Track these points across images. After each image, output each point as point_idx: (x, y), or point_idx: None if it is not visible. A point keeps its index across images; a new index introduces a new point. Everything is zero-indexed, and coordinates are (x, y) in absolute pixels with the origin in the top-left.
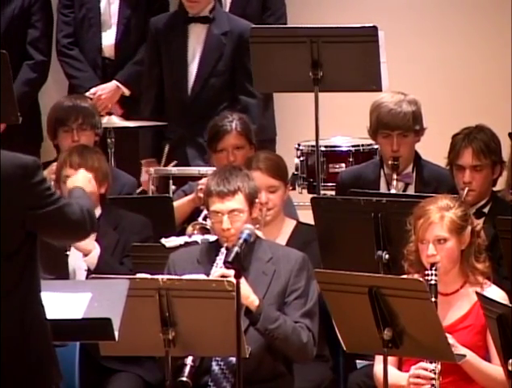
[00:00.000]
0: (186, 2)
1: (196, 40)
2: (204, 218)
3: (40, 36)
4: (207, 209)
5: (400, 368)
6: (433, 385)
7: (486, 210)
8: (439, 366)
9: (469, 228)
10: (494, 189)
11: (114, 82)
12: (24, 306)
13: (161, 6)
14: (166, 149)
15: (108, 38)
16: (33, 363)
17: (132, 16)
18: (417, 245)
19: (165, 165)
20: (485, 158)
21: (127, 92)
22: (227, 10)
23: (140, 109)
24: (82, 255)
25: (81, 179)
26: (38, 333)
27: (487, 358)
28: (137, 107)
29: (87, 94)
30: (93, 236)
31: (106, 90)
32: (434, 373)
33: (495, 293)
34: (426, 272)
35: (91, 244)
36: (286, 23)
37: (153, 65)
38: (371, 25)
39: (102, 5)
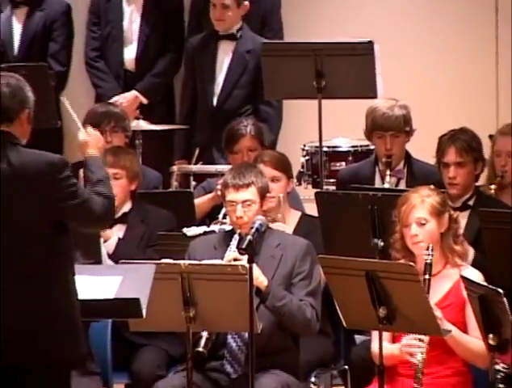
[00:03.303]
0: (214, 21)
1: (224, 55)
2: (224, 216)
3: (60, 49)
4: (224, 200)
5: (393, 343)
6: (422, 352)
7: (471, 203)
8: (427, 337)
9: (447, 214)
10: (476, 184)
11: (133, 92)
12: (51, 287)
13: (177, 27)
14: (196, 152)
15: (130, 52)
16: (58, 336)
17: (151, 34)
18: (401, 232)
19: (194, 164)
20: (467, 155)
21: (145, 101)
22: None
23: (178, 116)
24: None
25: (93, 139)
26: (65, 310)
27: (465, 333)
28: (152, 114)
29: (111, 101)
30: (119, 226)
31: (126, 99)
32: (423, 342)
33: (473, 273)
34: (424, 252)
35: (111, 232)
36: (283, 38)
37: (189, 78)
38: (368, 40)
39: (125, 23)
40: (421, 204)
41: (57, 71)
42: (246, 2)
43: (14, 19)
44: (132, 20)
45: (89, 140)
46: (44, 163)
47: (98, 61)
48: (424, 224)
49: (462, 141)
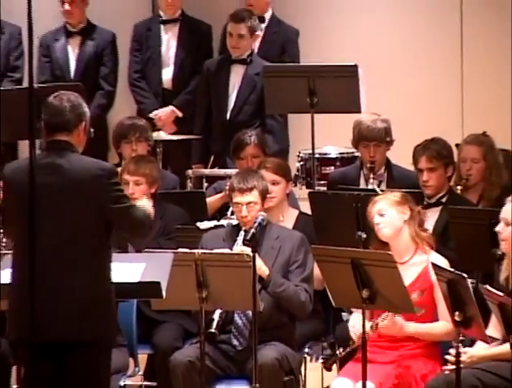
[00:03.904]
0: (231, 48)
1: (236, 77)
2: (231, 213)
3: (109, 72)
4: (231, 200)
5: (371, 320)
6: (383, 319)
7: (444, 200)
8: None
9: (407, 205)
10: (450, 184)
11: (170, 107)
12: (97, 273)
13: (207, 51)
14: (212, 158)
15: (167, 73)
16: (101, 316)
17: (185, 58)
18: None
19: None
20: (437, 161)
21: (180, 114)
22: (255, 50)
23: (194, 127)
24: None
25: (145, 205)
26: (106, 294)
27: (435, 312)
28: (187, 126)
29: (151, 115)
30: None
31: (164, 113)
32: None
33: (439, 259)
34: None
35: None
36: (299, 62)
37: (204, 95)
38: (353, 64)
39: (163, 49)
40: (380, 199)
41: (107, 90)
42: (258, 32)
43: (69, 47)
44: (169, 46)
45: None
46: (97, 169)
47: (140, 81)
48: (384, 214)
49: (432, 149)
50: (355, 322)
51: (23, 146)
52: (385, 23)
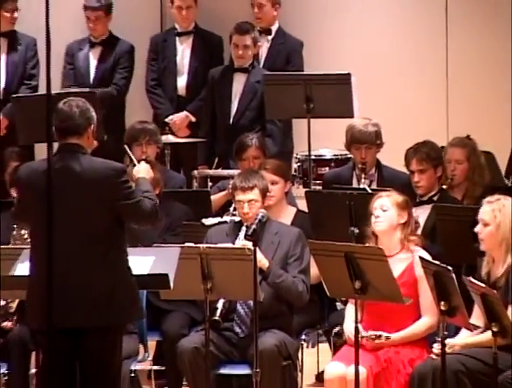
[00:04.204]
0: (236, 58)
1: (238, 84)
2: (234, 209)
3: (121, 78)
4: (233, 198)
5: (362, 311)
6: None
7: (435, 198)
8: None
9: (407, 210)
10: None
11: (184, 112)
12: (115, 264)
13: (218, 61)
14: (216, 159)
15: (181, 81)
16: (120, 303)
17: (198, 67)
18: (370, 221)
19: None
20: (427, 163)
21: (193, 119)
22: (262, 60)
23: (199, 130)
24: None
25: (143, 169)
26: (127, 282)
27: (417, 304)
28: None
29: (166, 120)
30: None
31: (179, 118)
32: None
33: (424, 253)
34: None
35: None
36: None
37: (209, 102)
38: (347, 72)
39: (178, 58)
40: (386, 196)
41: (116, 95)
42: (260, 43)
43: (91, 56)
44: (183, 56)
45: (140, 169)
46: (108, 169)
47: (156, 88)
48: (386, 210)
49: (422, 152)
50: (349, 324)
51: (39, 149)
52: (377, 36)
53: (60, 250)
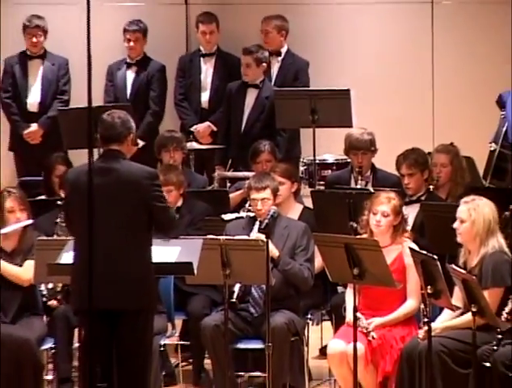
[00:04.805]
0: (243, 75)
1: (250, 99)
2: (249, 206)
3: (156, 95)
4: (249, 197)
5: (359, 294)
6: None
7: (423, 198)
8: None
9: (401, 214)
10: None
11: (207, 123)
12: (143, 254)
13: (237, 79)
14: (230, 162)
15: (205, 96)
16: (148, 287)
17: (220, 84)
18: (369, 215)
19: (228, 171)
20: (415, 168)
21: (215, 129)
22: (274, 78)
23: (217, 137)
24: None
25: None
26: (151, 269)
27: (405, 288)
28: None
29: (191, 129)
30: None
31: (202, 127)
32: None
33: (413, 245)
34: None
35: None
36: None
37: (226, 112)
38: (346, 88)
39: (202, 76)
40: (387, 202)
41: (154, 110)
42: (264, 64)
43: (128, 75)
44: (207, 74)
45: None
46: (144, 172)
47: (183, 102)
48: (386, 216)
49: (411, 158)
50: (349, 312)
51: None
52: (372, 57)
53: (100, 241)
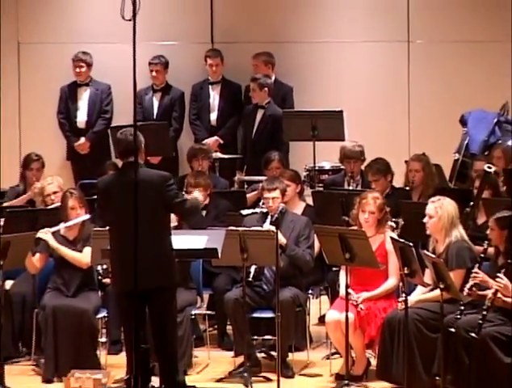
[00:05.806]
0: (252, 98)
1: (258, 117)
2: (263, 203)
3: (178, 116)
4: (262, 196)
5: (350, 274)
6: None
7: (389, 193)
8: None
9: (384, 210)
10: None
11: (215, 137)
12: (165, 241)
13: (239, 102)
14: (245, 167)
15: (213, 116)
16: (173, 268)
17: (225, 106)
18: (358, 211)
19: (245, 175)
20: (378, 175)
21: (222, 142)
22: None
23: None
24: None
25: (197, 194)
26: (172, 256)
27: (387, 270)
28: (225, 149)
29: (203, 142)
30: (203, 211)
31: (211, 141)
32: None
33: (393, 235)
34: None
35: None
36: (293, 108)
37: (243, 128)
38: (340, 110)
39: (211, 100)
40: (374, 203)
41: (175, 128)
42: (266, 89)
43: (154, 99)
44: (214, 99)
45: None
46: (159, 176)
47: (196, 120)
48: (372, 213)
49: (374, 168)
50: (342, 288)
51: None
52: (359, 84)
53: (132, 231)
